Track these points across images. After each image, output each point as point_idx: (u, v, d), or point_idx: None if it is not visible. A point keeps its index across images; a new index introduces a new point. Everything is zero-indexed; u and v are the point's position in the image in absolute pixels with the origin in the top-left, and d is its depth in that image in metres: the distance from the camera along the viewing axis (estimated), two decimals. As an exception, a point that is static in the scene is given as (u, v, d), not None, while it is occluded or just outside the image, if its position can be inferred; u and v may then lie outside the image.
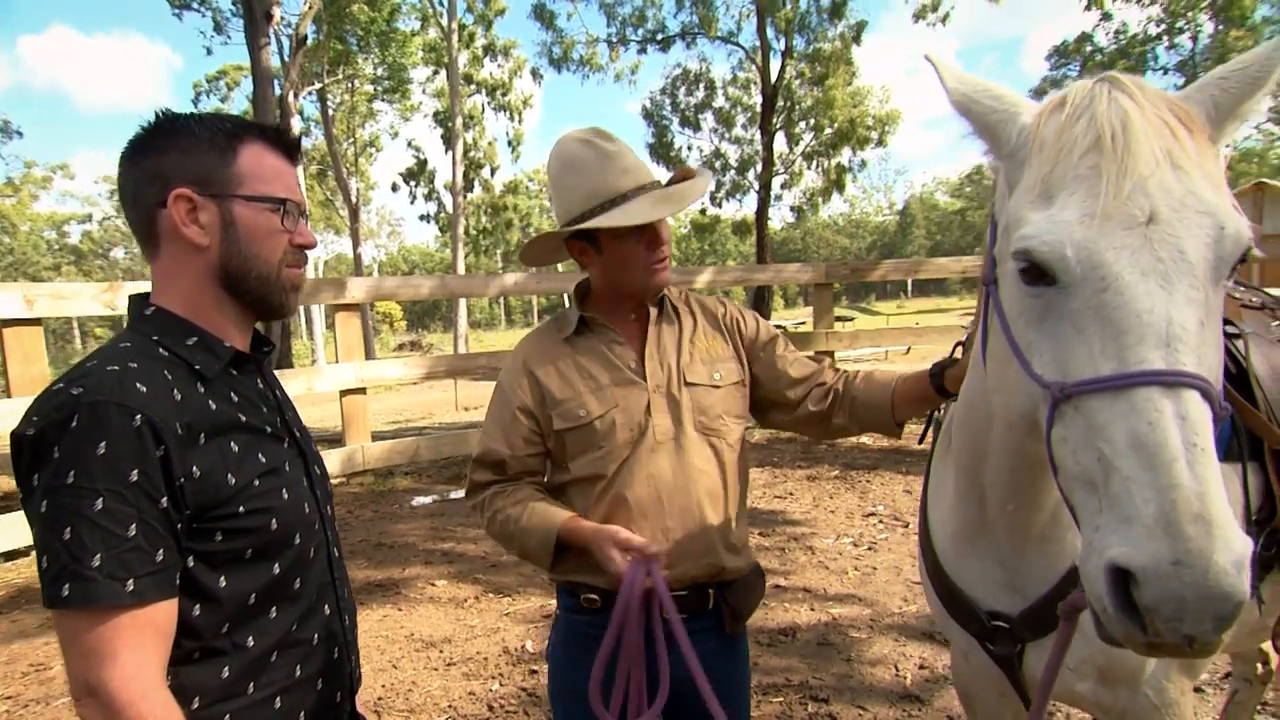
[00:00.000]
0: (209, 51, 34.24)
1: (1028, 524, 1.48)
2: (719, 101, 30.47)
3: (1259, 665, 2.70)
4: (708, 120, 30.27)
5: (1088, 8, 14.40)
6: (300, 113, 26.39)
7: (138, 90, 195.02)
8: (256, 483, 1.21)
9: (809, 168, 29.50)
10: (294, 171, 1.34)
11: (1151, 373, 0.99)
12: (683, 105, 30.14)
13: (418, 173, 37.59)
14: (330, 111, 35.78)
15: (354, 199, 37.15)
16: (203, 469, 1.14)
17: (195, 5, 28.01)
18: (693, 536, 1.75)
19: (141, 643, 1.07)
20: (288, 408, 1.41)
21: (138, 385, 1.10)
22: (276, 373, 1.51)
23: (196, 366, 1.21)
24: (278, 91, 20.15)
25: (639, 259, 1.77)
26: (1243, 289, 1.94)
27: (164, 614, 1.10)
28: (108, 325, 65.17)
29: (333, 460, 6.76)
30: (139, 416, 1.08)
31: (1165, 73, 37.16)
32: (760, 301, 26.04)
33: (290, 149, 1.33)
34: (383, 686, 3.64)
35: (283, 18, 24.53)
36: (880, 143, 28.56)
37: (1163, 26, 38.83)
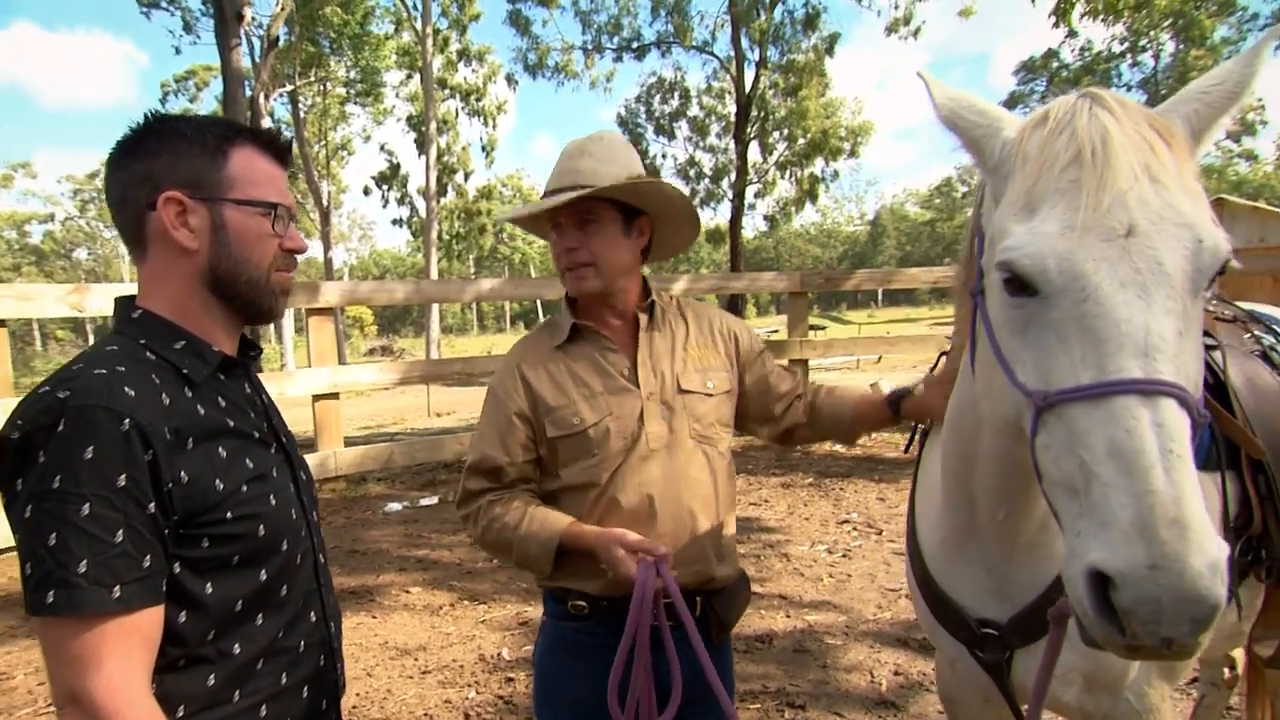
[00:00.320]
0: (178, 51, 33.74)
1: (1017, 531, 1.50)
2: (694, 110, 30.63)
3: (1226, 670, 2.76)
4: (682, 129, 30.43)
5: (1055, 25, 14.70)
6: (271, 114, 26.07)
7: (103, 88, 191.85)
8: (244, 488, 1.20)
9: (782, 177, 29.72)
10: (284, 175, 1.33)
11: (1129, 381, 1.01)
12: (657, 113, 30.24)
13: (390, 177, 37.32)
14: (302, 114, 35.42)
15: (325, 202, 36.78)
16: (191, 474, 1.13)
17: (164, 4, 27.60)
18: (684, 544, 1.76)
19: (128, 650, 1.05)
20: (274, 413, 1.40)
21: (126, 389, 1.09)
22: None
23: (185, 371, 1.20)
24: (248, 93, 19.90)
25: (559, 259, 1.82)
26: (1216, 302, 1.99)
27: (150, 621, 1.08)
28: (69, 328, 63.82)
29: (304, 466, 6.65)
30: (127, 421, 1.06)
31: (1129, 90, 38.05)
32: (734, 309, 26.14)
33: (281, 153, 1.32)
34: (357, 695, 3.59)
35: (254, 18, 24.27)
36: (853, 153, 28.87)
37: (1126, 45, 39.77)
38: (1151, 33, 37.53)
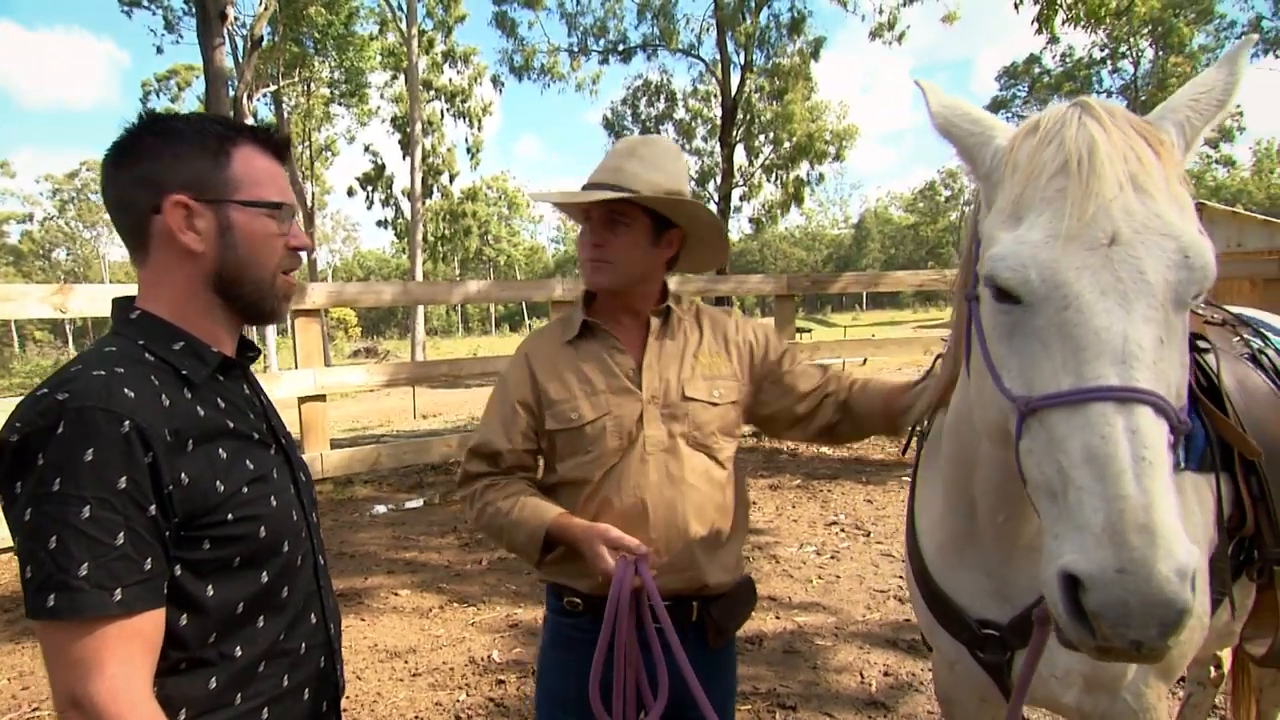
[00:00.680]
0: (160, 50, 33.17)
1: (1016, 534, 1.51)
2: (679, 113, 30.72)
3: (1212, 669, 2.80)
4: (668, 131, 30.43)
5: (1038, 31, 14.82)
6: (254, 115, 25.87)
7: (83, 88, 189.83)
8: (245, 490, 1.20)
9: (768, 180, 29.84)
10: (284, 172, 1.32)
11: (1106, 388, 1.04)
12: (644, 116, 30.27)
13: (375, 178, 37.18)
14: (285, 114, 35.17)
15: (309, 203, 36.55)
16: (191, 476, 1.12)
17: (146, 3, 27.34)
18: (677, 549, 1.76)
19: (129, 654, 1.04)
20: (272, 413, 1.39)
21: (125, 391, 1.08)
22: None
23: (184, 372, 1.19)
24: (232, 93, 19.76)
25: (583, 250, 1.83)
26: (1205, 306, 2.02)
27: (151, 624, 1.07)
28: (48, 329, 63.01)
29: (290, 468, 6.60)
30: (128, 423, 1.05)
31: (1109, 95, 38.48)
32: (719, 312, 26.18)
33: (280, 149, 1.31)
34: (348, 698, 3.57)
35: (237, 18, 24.09)
36: (838, 157, 29.03)
37: (1107, 51, 40.25)
38: (1131, 39, 38.02)
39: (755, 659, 3.84)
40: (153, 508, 1.07)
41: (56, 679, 1.03)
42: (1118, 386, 1.03)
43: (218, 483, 1.16)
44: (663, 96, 30.09)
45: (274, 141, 1.30)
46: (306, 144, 38.16)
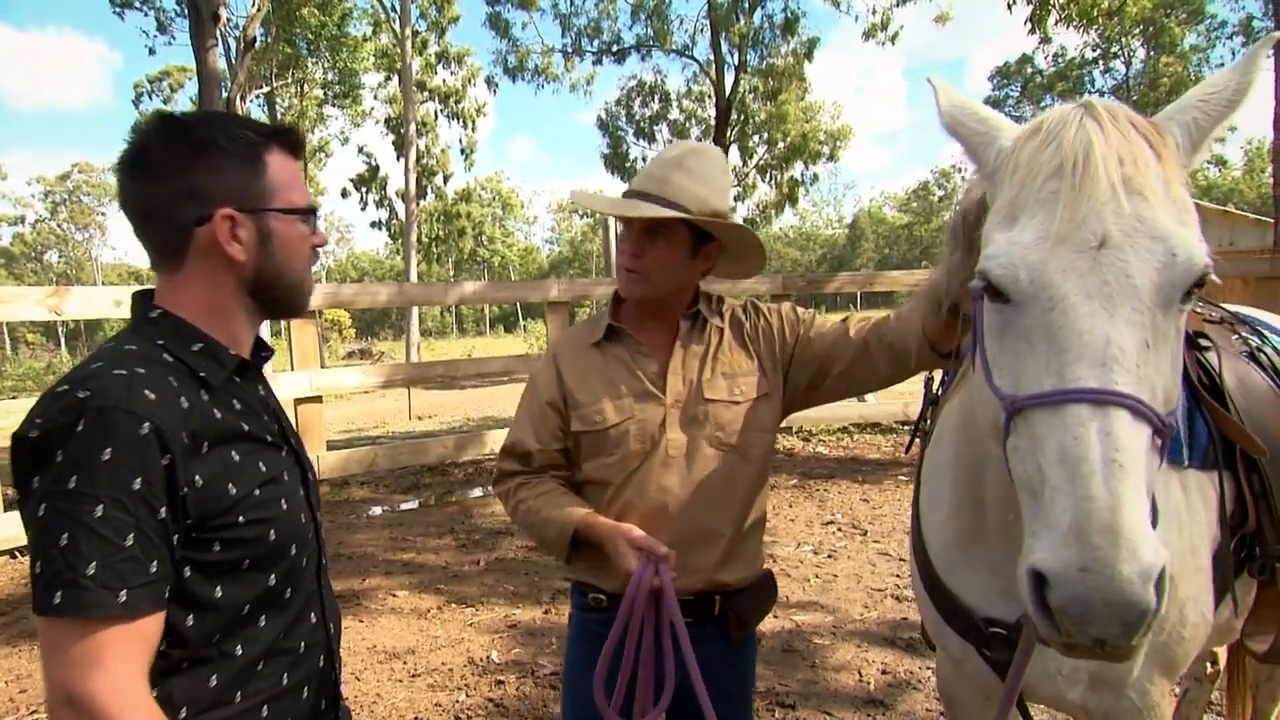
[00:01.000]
0: (152, 52, 32.99)
1: (1024, 533, 1.53)
2: (674, 114, 30.69)
3: (1208, 665, 2.82)
4: (663, 132, 30.45)
5: (1030, 31, 14.89)
6: (248, 116, 25.82)
7: (75, 89, 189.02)
8: (256, 492, 1.20)
9: (762, 180, 29.89)
10: (301, 170, 1.35)
11: (1083, 390, 1.05)
12: (638, 117, 30.28)
13: (369, 179, 37.03)
14: (279, 116, 35.06)
15: (302, 204, 36.34)
16: (205, 478, 1.13)
17: (138, 4, 27.26)
18: (694, 552, 1.77)
19: (130, 654, 1.04)
20: (282, 415, 1.39)
21: (146, 392, 1.08)
22: None
23: (202, 374, 1.19)
24: (224, 94, 19.70)
25: (621, 255, 1.82)
26: (1203, 305, 2.03)
27: (152, 626, 1.08)
28: (40, 330, 62.71)
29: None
30: (147, 424, 1.06)
31: (1102, 96, 38.60)
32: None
33: (299, 149, 1.33)
34: (346, 699, 3.56)
35: (230, 19, 24.01)
36: (832, 157, 29.13)
37: (1099, 51, 40.44)
38: (1123, 39, 38.18)
39: (754, 658, 3.85)
40: (163, 510, 1.07)
41: (53, 676, 1.03)
42: (1095, 389, 1.05)
43: (230, 485, 1.16)
44: (657, 97, 30.09)
45: (296, 141, 1.33)
46: (300, 145, 37.93)
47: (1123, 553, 0.95)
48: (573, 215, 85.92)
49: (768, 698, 3.47)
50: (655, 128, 30.28)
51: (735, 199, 30.16)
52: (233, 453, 1.19)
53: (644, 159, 30.54)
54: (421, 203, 34.81)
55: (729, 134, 26.70)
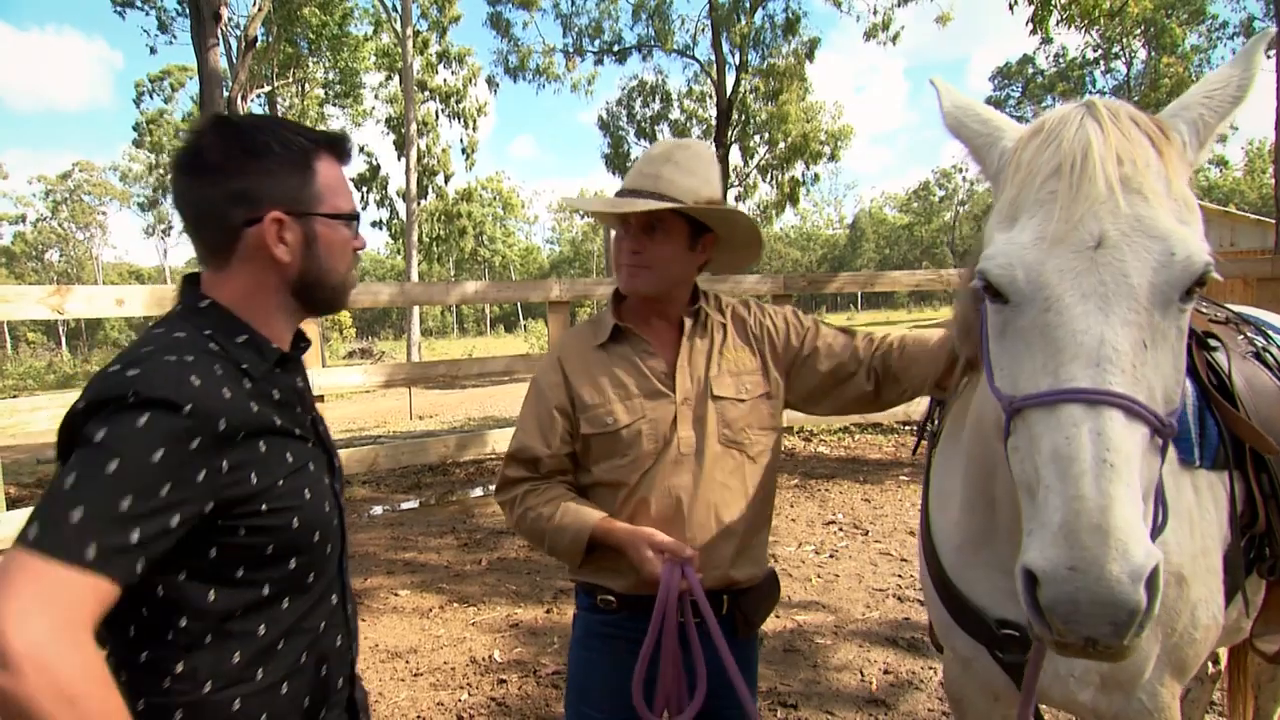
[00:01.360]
0: (153, 51, 33.10)
1: None
2: (675, 114, 30.75)
3: (1209, 665, 2.82)
4: (664, 132, 30.48)
5: (1032, 32, 14.90)
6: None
7: (75, 89, 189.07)
8: (281, 483, 1.23)
9: (763, 180, 29.94)
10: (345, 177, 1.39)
11: (1077, 390, 1.06)
12: (639, 116, 30.32)
13: (370, 179, 37.05)
14: (280, 115, 35.11)
15: (303, 204, 36.35)
16: (232, 465, 1.16)
17: (139, 3, 27.28)
18: (709, 549, 1.77)
19: (76, 605, 1.00)
20: (314, 405, 1.44)
21: (192, 378, 1.12)
22: None
23: (244, 366, 1.23)
24: (226, 94, 19.71)
25: (620, 255, 1.83)
26: (1208, 305, 2.03)
27: (108, 591, 1.03)
28: (41, 330, 62.73)
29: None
30: (188, 407, 1.09)
31: (1103, 96, 38.61)
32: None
33: (347, 156, 1.38)
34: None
35: (231, 18, 24.04)
36: (833, 157, 29.17)
37: (1100, 52, 40.43)
38: (1124, 40, 38.17)
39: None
40: (169, 488, 1.07)
41: None
42: (1089, 389, 1.05)
43: (255, 475, 1.19)
44: (658, 97, 30.13)
45: (344, 149, 1.37)
46: (301, 145, 37.95)
47: (1112, 552, 0.96)
48: (573, 215, 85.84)
49: (770, 697, 3.47)
50: (656, 128, 30.31)
51: (737, 199, 30.20)
52: (261, 444, 1.21)
53: (645, 159, 30.55)
54: (422, 202, 34.83)
55: (730, 134, 26.73)
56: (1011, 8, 14.17)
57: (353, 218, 1.36)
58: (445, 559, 5.45)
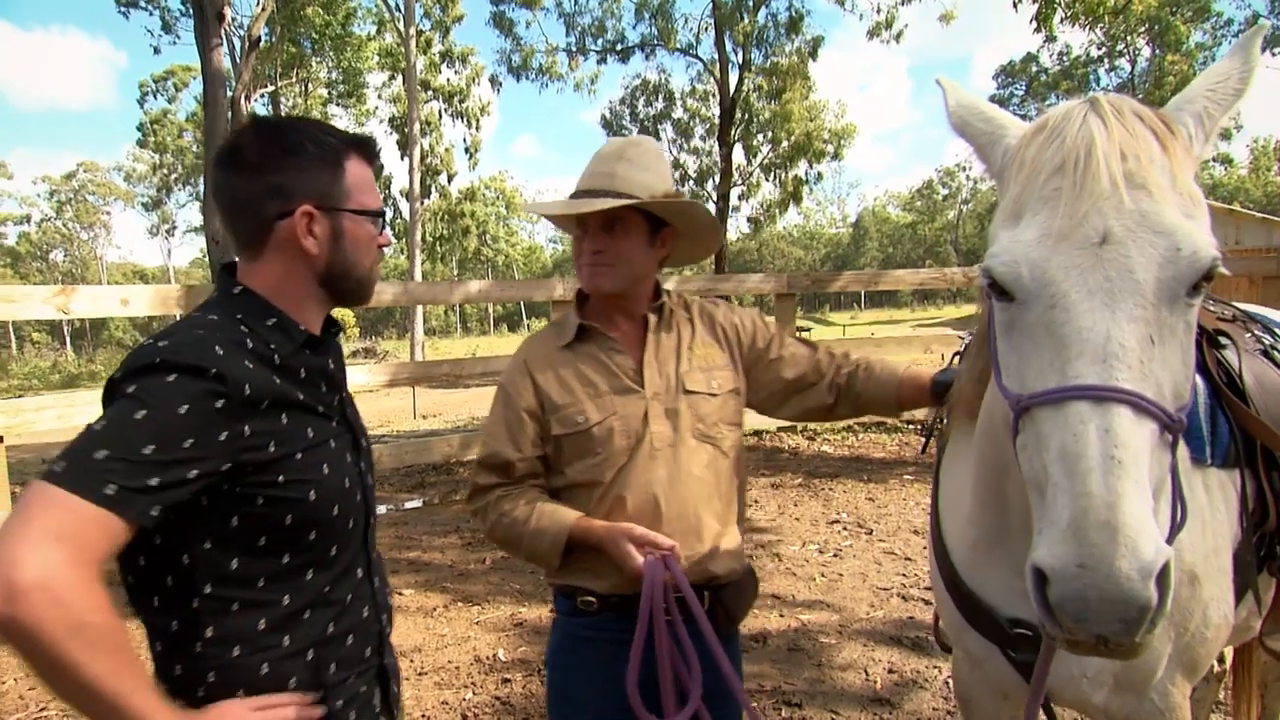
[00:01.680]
0: (157, 51, 33.40)
1: None
2: (678, 113, 30.74)
3: (1215, 664, 2.81)
4: (666, 131, 30.50)
5: (1036, 30, 14.85)
6: (252, 115, 25.88)
7: (79, 89, 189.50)
8: (300, 455, 1.29)
9: (766, 180, 29.87)
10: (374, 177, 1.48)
11: (1084, 387, 1.05)
12: (642, 116, 30.29)
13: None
14: (283, 114, 35.13)
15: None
16: (254, 431, 1.23)
17: (143, 3, 27.35)
18: (688, 543, 1.77)
19: (91, 541, 1.05)
20: (343, 387, 1.49)
21: (216, 348, 1.21)
22: None
23: (271, 345, 1.31)
24: (229, 94, 19.74)
25: (581, 255, 1.84)
26: (1215, 303, 2.03)
27: (121, 530, 1.08)
28: (46, 330, 62.87)
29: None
30: (213, 370, 1.18)
31: (1107, 92, 38.47)
32: (718, 311, 26.19)
33: (375, 157, 1.47)
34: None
35: (235, 18, 24.05)
36: (836, 156, 29.07)
37: (1104, 49, 40.31)
38: (1128, 37, 38.06)
39: (760, 657, 3.86)
40: (192, 442, 1.14)
41: (12, 526, 1.01)
42: (1096, 385, 1.04)
43: (274, 445, 1.26)
44: (661, 96, 30.11)
45: (373, 151, 1.46)
46: (304, 144, 37.96)
47: (1120, 549, 0.95)
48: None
49: (774, 696, 3.47)
50: (659, 127, 30.30)
51: (740, 198, 30.18)
52: (284, 417, 1.29)
53: (648, 158, 30.51)
54: (425, 202, 34.88)
55: (733, 133, 26.70)
56: (1015, 6, 14.13)
57: (378, 214, 1.44)
58: (449, 558, 5.46)
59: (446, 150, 38.10)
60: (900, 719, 3.28)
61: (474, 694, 3.60)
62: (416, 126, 26.71)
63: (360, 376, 8.09)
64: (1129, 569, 0.95)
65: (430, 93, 34.39)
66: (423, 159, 31.68)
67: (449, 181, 39.60)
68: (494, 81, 28.75)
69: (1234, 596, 1.59)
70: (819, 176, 30.30)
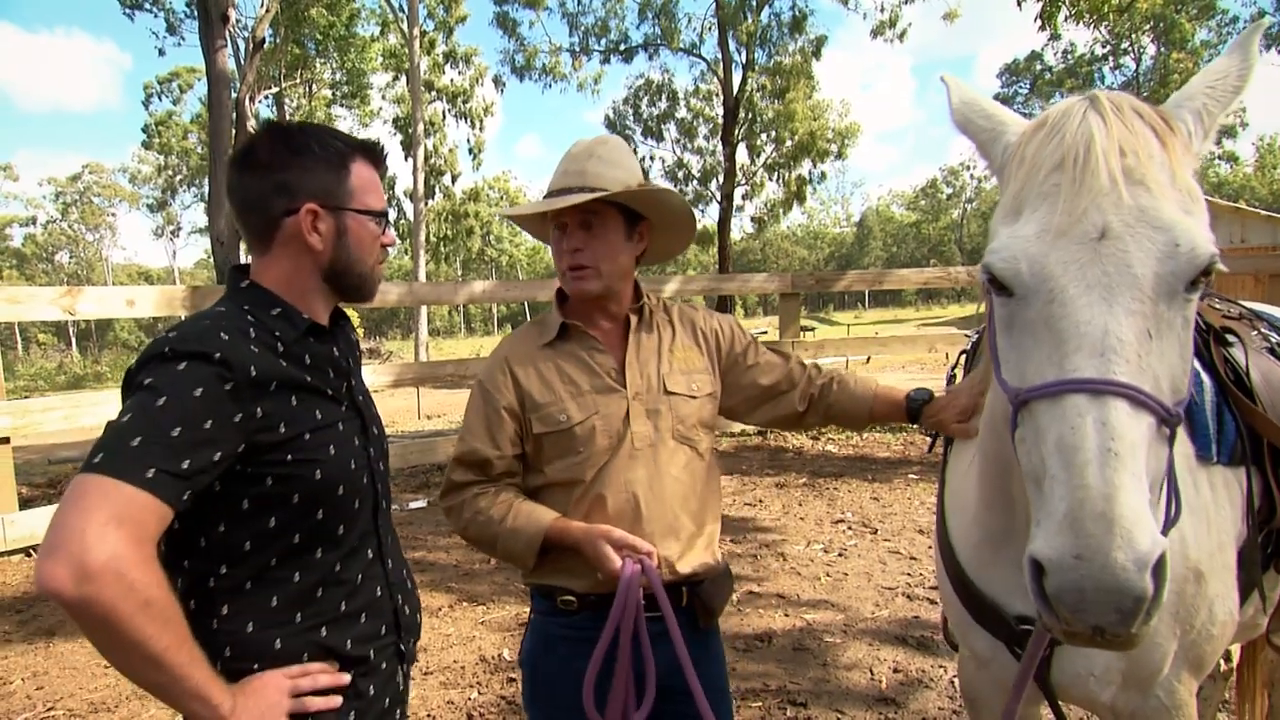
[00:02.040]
0: (161, 53, 33.31)
1: None
2: (681, 113, 30.74)
3: (1222, 662, 2.81)
4: (670, 131, 30.52)
5: (1040, 28, 14.84)
6: (256, 117, 25.92)
7: (84, 90, 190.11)
8: (307, 436, 1.36)
9: (770, 179, 29.86)
10: (380, 180, 1.54)
11: (1081, 380, 1.06)
12: (645, 116, 30.31)
13: (377, 179, 37.18)
14: (287, 116, 35.21)
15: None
16: (265, 412, 1.29)
17: (148, 5, 27.39)
18: (665, 545, 1.78)
19: (142, 523, 1.12)
20: (356, 375, 1.54)
21: (220, 335, 1.28)
22: None
23: (276, 333, 1.38)
24: (234, 95, 19.79)
25: (561, 259, 1.84)
26: (1221, 301, 2.03)
27: (164, 512, 1.15)
28: (51, 331, 63.12)
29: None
30: (218, 354, 1.24)
31: (1110, 90, 38.38)
32: (722, 310, 26.19)
33: (381, 161, 1.54)
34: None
35: (239, 20, 24.11)
36: (840, 155, 29.06)
37: (1108, 48, 40.21)
38: (1133, 35, 37.96)
39: (765, 656, 3.86)
40: (209, 422, 1.20)
41: (68, 521, 1.07)
42: (1093, 379, 1.05)
43: (284, 425, 1.32)
44: (664, 96, 30.13)
45: (378, 155, 1.53)
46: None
47: (1116, 540, 0.96)
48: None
49: (779, 696, 3.47)
50: (663, 126, 30.32)
51: (744, 197, 30.16)
52: (293, 398, 1.35)
53: (651, 158, 30.59)
54: (429, 202, 34.94)
55: (737, 132, 26.69)
56: (1019, 4, 14.11)
57: (381, 215, 1.50)
58: (454, 558, 5.46)
59: (450, 151, 38.19)
60: (906, 718, 3.28)
61: (479, 694, 3.61)
62: (420, 127, 26.78)
63: (365, 377, 8.11)
64: (1125, 560, 0.95)
65: (434, 93, 34.47)
66: (427, 159, 31.72)
67: (453, 182, 39.71)
68: (497, 82, 28.81)
69: (1240, 594, 1.58)
70: (822, 176, 30.30)
